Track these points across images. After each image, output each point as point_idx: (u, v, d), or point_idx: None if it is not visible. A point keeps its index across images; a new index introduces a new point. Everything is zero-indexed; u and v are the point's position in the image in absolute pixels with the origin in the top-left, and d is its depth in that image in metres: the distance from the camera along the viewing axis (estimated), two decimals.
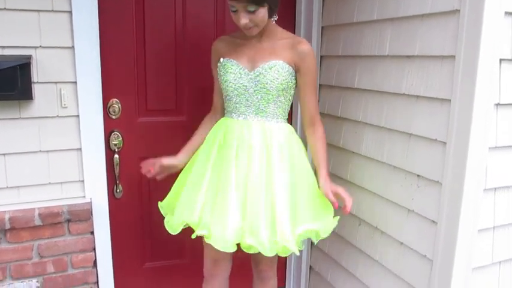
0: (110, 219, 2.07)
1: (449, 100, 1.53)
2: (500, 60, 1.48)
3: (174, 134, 2.25)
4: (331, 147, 2.27)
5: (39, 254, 1.89)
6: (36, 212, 1.84)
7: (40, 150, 1.86)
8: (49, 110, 1.85)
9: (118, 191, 2.23)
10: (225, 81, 1.76)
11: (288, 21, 2.33)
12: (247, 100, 1.75)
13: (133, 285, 2.40)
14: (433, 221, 1.64)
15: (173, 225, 1.77)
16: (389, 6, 1.80)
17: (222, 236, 1.66)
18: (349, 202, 1.69)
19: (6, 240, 1.82)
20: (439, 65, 1.58)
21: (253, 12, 1.60)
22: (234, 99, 1.77)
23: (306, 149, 1.87)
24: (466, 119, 1.47)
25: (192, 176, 1.81)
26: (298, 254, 1.70)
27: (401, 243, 1.81)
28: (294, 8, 2.38)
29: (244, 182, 1.71)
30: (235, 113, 1.79)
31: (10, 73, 1.69)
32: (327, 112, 2.27)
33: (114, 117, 2.16)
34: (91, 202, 1.96)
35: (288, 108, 1.83)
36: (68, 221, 1.90)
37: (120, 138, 2.18)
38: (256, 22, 1.64)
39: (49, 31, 1.79)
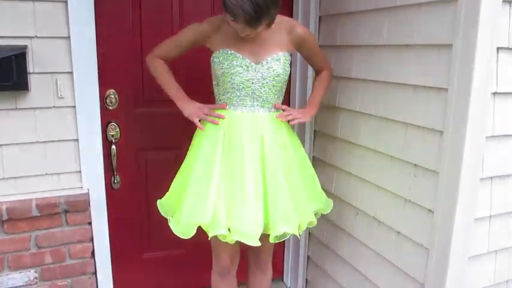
0: (107, 209, 2.06)
1: (447, 89, 1.53)
2: (498, 48, 1.47)
3: (171, 124, 2.24)
4: (329, 137, 2.27)
5: (36, 244, 1.89)
6: (34, 203, 1.84)
7: (37, 141, 1.86)
8: (45, 101, 1.84)
9: (115, 181, 2.23)
10: (231, 75, 1.73)
11: (286, 11, 2.31)
12: (253, 93, 1.75)
13: (132, 276, 2.41)
14: (430, 210, 1.64)
15: (184, 230, 1.71)
16: None
17: (249, 230, 1.66)
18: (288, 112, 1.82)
19: (3, 231, 1.82)
20: (436, 54, 1.57)
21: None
22: (239, 93, 1.75)
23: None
24: (463, 108, 1.47)
25: (197, 174, 1.75)
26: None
27: (399, 232, 1.82)
28: None
29: (262, 172, 1.73)
30: (239, 106, 1.77)
31: (5, 64, 1.67)
32: (324, 102, 2.26)
33: (111, 108, 2.16)
34: (88, 193, 1.96)
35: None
36: (66, 211, 1.90)
37: (118, 129, 2.18)
38: (256, 33, 1.66)
39: (44, 21, 1.77)
